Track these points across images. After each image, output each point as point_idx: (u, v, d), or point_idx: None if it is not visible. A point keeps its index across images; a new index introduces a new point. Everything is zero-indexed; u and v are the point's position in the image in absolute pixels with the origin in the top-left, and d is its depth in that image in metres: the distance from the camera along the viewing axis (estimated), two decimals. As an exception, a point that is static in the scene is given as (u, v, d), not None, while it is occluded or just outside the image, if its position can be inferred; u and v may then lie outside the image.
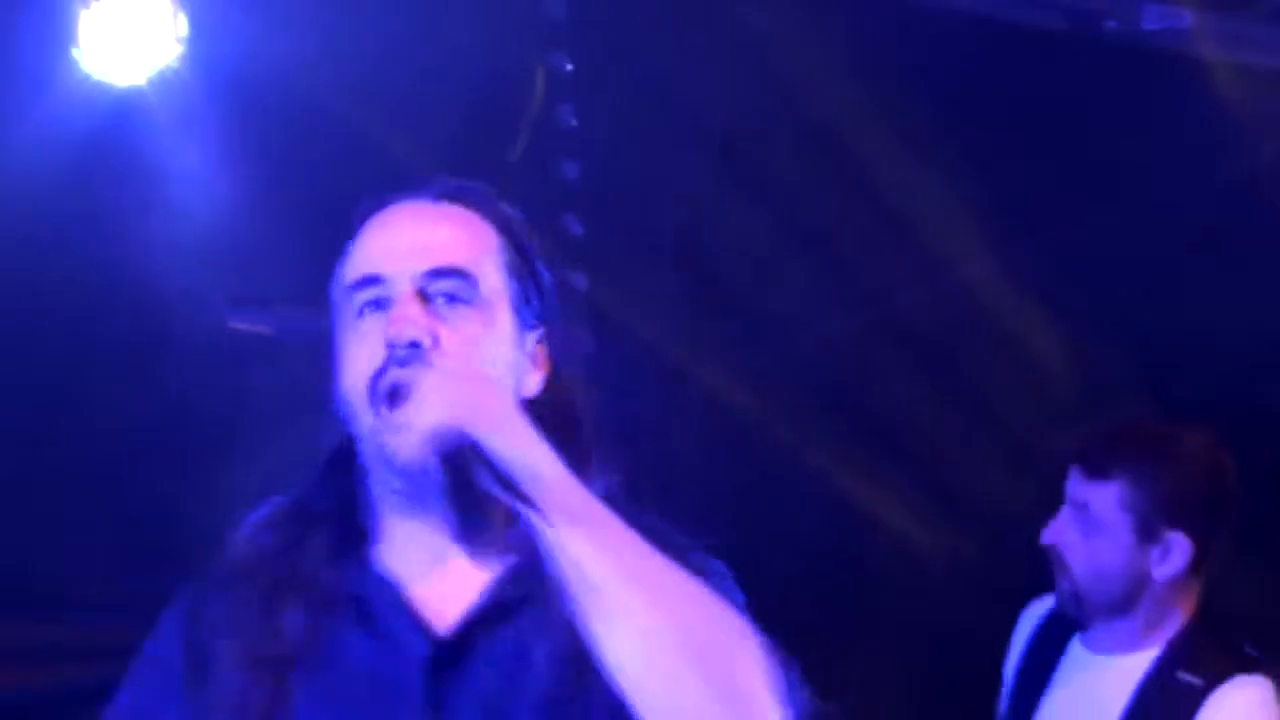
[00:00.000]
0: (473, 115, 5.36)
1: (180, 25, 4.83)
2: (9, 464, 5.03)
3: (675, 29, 5.29)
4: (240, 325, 5.42)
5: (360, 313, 2.39)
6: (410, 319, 2.33)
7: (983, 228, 5.58)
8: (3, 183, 4.84)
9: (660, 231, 5.58)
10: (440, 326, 2.34)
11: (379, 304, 2.37)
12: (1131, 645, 4.23)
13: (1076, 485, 4.24)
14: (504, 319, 2.41)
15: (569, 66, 5.53)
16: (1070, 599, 4.24)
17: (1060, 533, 4.24)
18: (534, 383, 2.44)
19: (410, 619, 2.35)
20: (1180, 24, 4.97)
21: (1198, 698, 4.09)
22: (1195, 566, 4.20)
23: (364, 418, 2.34)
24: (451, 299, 2.37)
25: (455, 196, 2.47)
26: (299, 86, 5.12)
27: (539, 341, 2.46)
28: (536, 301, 2.47)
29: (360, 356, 2.35)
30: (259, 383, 5.30)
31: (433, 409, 2.24)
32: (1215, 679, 4.09)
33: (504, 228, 2.47)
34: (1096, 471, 4.21)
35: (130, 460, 5.09)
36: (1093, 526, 4.21)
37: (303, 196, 5.30)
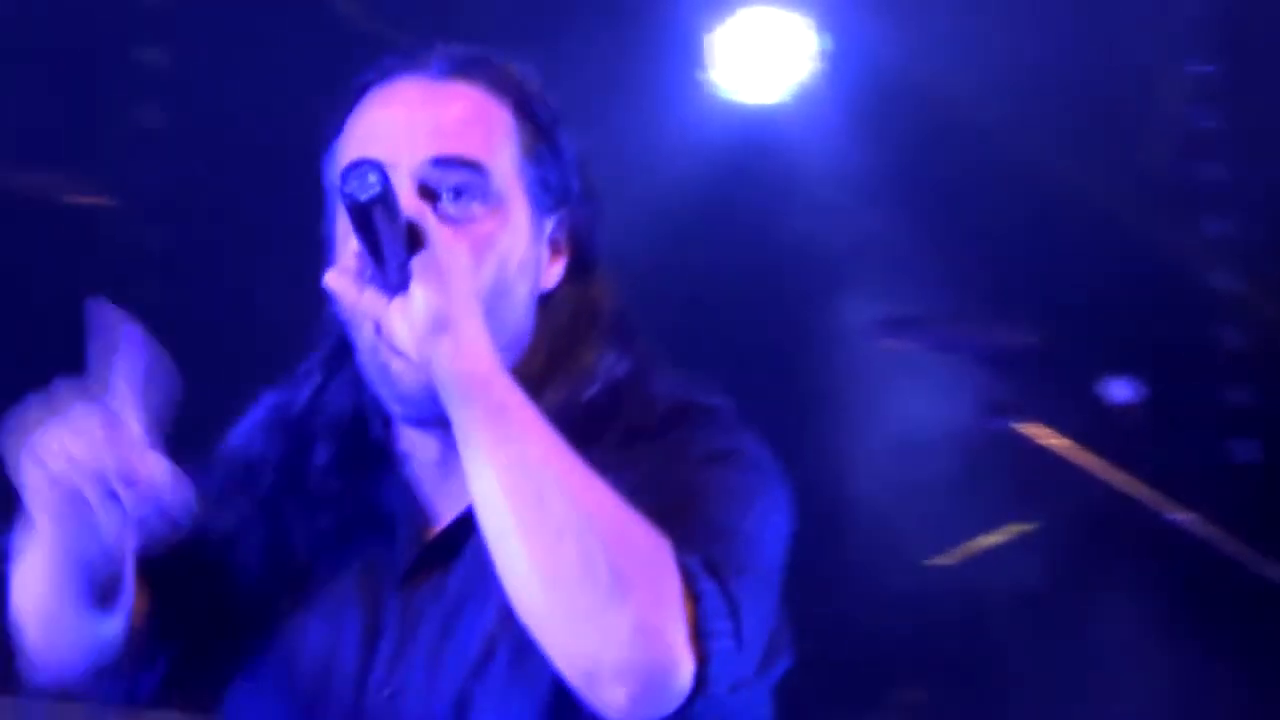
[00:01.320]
0: (1109, 117, 5.31)
1: (818, 42, 4.93)
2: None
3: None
4: (890, 344, 5.45)
5: None
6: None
7: None
8: (663, 199, 4.96)
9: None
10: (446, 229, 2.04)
11: None
12: None
13: None
14: (519, 213, 2.17)
15: (1210, 68, 5.43)
16: None
17: None
18: (554, 274, 2.22)
19: (409, 525, 2.21)
20: None
21: None
22: None
23: (363, 331, 2.12)
24: (459, 193, 2.13)
25: (464, 71, 2.19)
26: (936, 98, 5.15)
27: (559, 226, 2.22)
28: (556, 182, 2.21)
29: (351, 259, 2.04)
30: (902, 399, 5.37)
31: (423, 339, 2.00)
32: None
33: (520, 104, 2.20)
34: None
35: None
36: None
37: (944, 211, 5.33)
